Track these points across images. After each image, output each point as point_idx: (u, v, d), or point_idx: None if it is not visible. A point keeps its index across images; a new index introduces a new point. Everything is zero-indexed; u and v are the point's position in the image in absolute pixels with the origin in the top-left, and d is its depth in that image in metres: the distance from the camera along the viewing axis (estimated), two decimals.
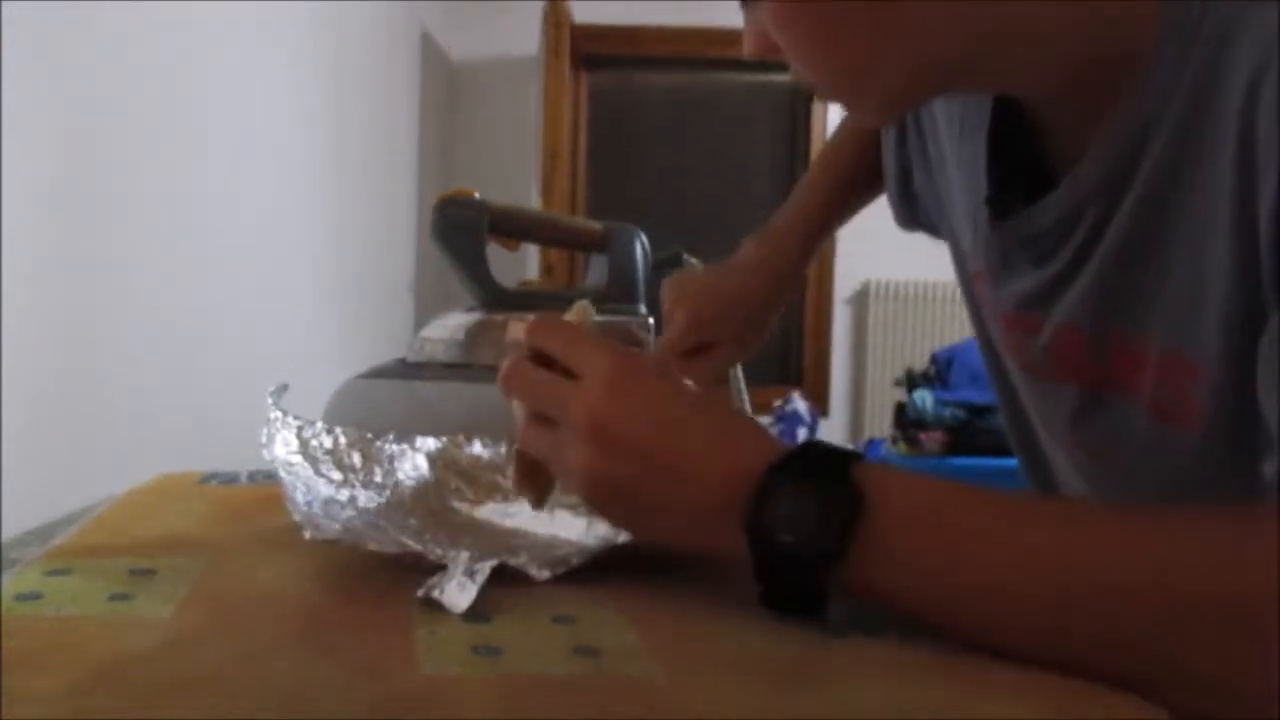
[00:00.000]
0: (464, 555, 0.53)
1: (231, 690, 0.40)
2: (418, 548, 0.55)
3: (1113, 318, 0.60)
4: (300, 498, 0.60)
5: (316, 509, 0.60)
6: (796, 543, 0.48)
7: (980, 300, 0.73)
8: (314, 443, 0.68)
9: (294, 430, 0.67)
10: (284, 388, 0.67)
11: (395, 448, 0.71)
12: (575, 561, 0.55)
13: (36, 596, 0.50)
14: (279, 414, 0.66)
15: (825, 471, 0.49)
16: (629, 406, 0.53)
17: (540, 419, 0.56)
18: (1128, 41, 0.54)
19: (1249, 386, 0.50)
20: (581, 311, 0.64)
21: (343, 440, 0.69)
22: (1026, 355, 0.67)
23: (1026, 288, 0.64)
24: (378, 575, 0.54)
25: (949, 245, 0.79)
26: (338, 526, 0.57)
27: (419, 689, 0.41)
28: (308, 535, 0.55)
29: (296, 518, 0.57)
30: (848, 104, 0.61)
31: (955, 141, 0.72)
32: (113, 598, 0.50)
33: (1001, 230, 0.65)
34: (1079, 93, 0.58)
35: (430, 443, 0.72)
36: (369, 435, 0.70)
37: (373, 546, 0.55)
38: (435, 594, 0.49)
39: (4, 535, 0.64)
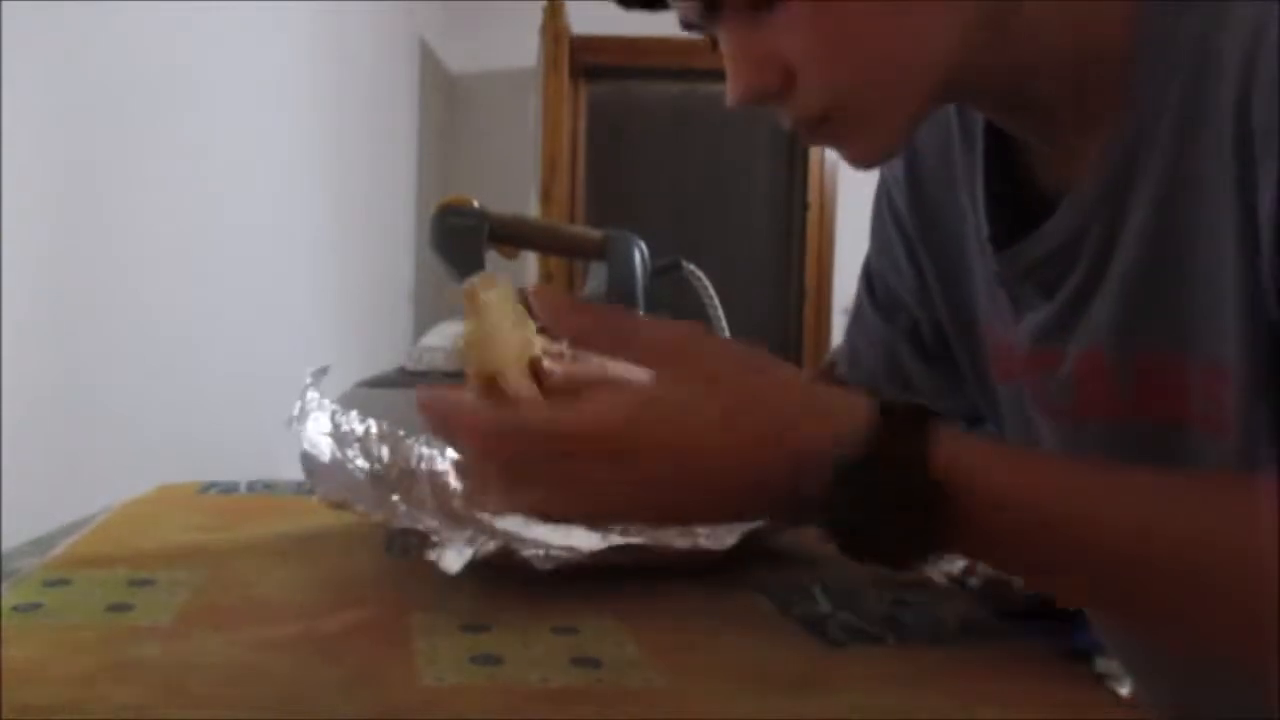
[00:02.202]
0: (468, 532, 0.53)
1: (230, 699, 0.40)
2: (424, 527, 0.54)
3: (1140, 340, 0.58)
4: (320, 466, 0.60)
5: (334, 481, 0.60)
6: (878, 556, 0.48)
7: (995, 355, 0.72)
8: (346, 428, 0.68)
9: (328, 413, 0.67)
10: (324, 370, 0.67)
11: (425, 450, 0.70)
12: (581, 553, 0.55)
13: (36, 607, 0.50)
14: (316, 395, 0.66)
15: (900, 487, 0.47)
16: (644, 477, 0.47)
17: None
18: (1109, 41, 0.55)
19: (1273, 384, 0.50)
20: (486, 285, 0.52)
21: (374, 430, 0.69)
22: (1049, 398, 0.66)
23: (1040, 320, 0.63)
24: (378, 585, 0.54)
25: (950, 312, 0.75)
26: (350, 495, 0.57)
27: (419, 699, 0.41)
28: (316, 497, 0.54)
29: (308, 479, 0.57)
30: (867, 122, 0.57)
31: (950, 203, 0.71)
32: (112, 607, 0.50)
33: (1004, 261, 0.64)
34: (1068, 102, 0.58)
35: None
36: (400, 431, 0.70)
37: (378, 517, 0.54)
38: (431, 555, 0.49)
39: (3, 546, 0.64)
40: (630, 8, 0.60)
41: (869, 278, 0.84)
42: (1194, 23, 0.52)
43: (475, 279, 0.53)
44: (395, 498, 0.58)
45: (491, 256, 1.00)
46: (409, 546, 0.53)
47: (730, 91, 0.57)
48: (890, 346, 0.82)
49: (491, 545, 0.52)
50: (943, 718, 0.41)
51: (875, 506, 0.47)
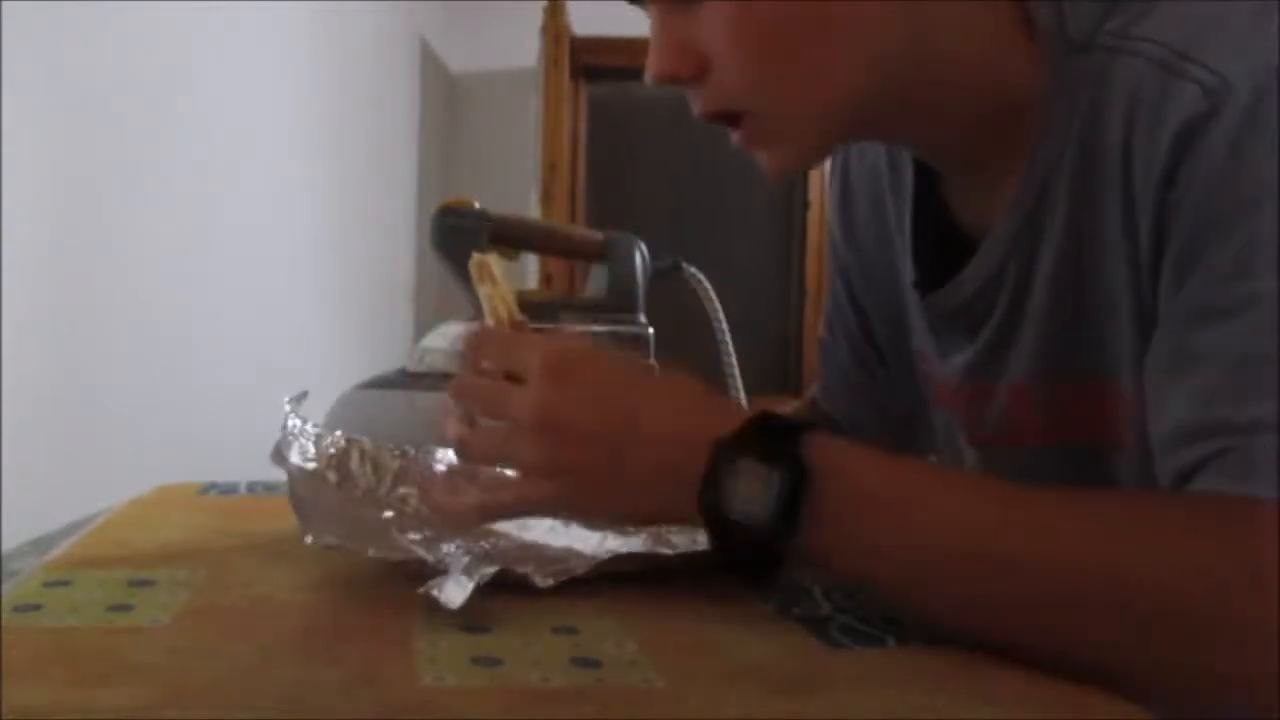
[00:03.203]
0: (464, 558, 0.53)
1: (231, 701, 0.40)
2: (421, 554, 0.54)
3: (1059, 372, 0.61)
4: (307, 504, 0.60)
5: (325, 514, 0.60)
6: (747, 521, 0.49)
7: (925, 378, 0.74)
8: (332, 451, 0.68)
9: (312, 439, 0.67)
10: (303, 396, 0.67)
11: (417, 459, 0.70)
12: (579, 570, 0.55)
13: (36, 608, 0.50)
14: (297, 422, 0.66)
15: (775, 450, 0.50)
16: (571, 395, 0.54)
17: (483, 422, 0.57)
18: (1018, 83, 0.57)
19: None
20: (484, 266, 0.62)
21: (361, 449, 0.69)
22: (979, 426, 0.68)
23: (967, 360, 0.66)
24: (378, 585, 0.54)
25: (889, 342, 0.79)
26: (341, 532, 0.57)
27: (418, 699, 0.41)
28: (308, 540, 0.54)
29: (300, 524, 0.57)
30: (777, 129, 0.59)
31: (889, 235, 0.73)
32: (112, 608, 0.50)
33: (929, 306, 0.66)
34: (983, 142, 0.60)
35: (452, 454, 0.72)
36: (389, 446, 0.70)
37: (373, 553, 0.55)
38: (434, 592, 0.49)
39: (3, 546, 0.64)
40: None
41: (828, 315, 0.86)
42: (1089, 72, 0.55)
43: (473, 263, 0.61)
44: (388, 514, 0.58)
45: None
46: (410, 575, 0.53)
47: (647, 69, 0.60)
48: (856, 379, 0.84)
49: (491, 570, 0.52)
50: (943, 718, 0.41)
51: (744, 492, 0.50)
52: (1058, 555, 0.46)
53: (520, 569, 0.54)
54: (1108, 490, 0.50)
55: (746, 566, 0.51)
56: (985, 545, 0.47)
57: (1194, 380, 0.49)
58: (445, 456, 0.72)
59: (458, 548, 0.59)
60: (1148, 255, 0.53)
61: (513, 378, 0.56)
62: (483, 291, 0.62)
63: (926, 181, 0.67)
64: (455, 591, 0.49)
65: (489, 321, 0.62)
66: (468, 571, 0.51)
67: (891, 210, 0.72)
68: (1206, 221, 0.49)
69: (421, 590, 0.49)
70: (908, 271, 0.70)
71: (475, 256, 0.63)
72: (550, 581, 0.53)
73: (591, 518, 0.59)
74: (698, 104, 0.60)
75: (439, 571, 0.52)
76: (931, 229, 0.67)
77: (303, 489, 0.61)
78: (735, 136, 0.60)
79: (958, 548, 0.48)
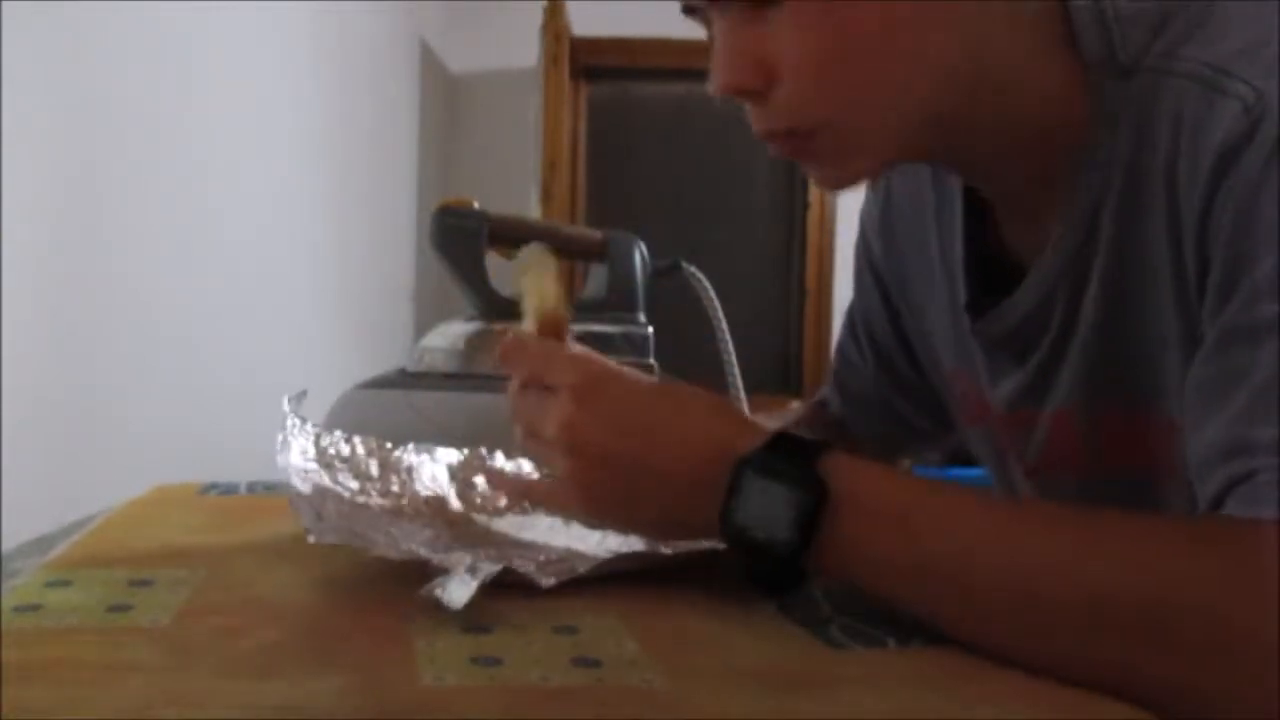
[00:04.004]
0: (467, 558, 0.53)
1: (230, 702, 0.40)
2: (424, 554, 0.54)
3: (1105, 400, 0.61)
4: (308, 503, 0.60)
5: (326, 513, 0.60)
6: (768, 540, 0.50)
7: (963, 402, 0.73)
8: (331, 450, 0.68)
9: (311, 438, 0.67)
10: (303, 395, 0.67)
11: (415, 458, 0.70)
12: (581, 570, 0.55)
13: (36, 608, 0.50)
14: (296, 421, 0.66)
15: (792, 469, 0.50)
16: (597, 417, 0.55)
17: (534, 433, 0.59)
18: (1066, 109, 0.57)
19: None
20: (536, 257, 0.64)
21: (360, 449, 0.69)
22: (1024, 454, 0.67)
23: (1014, 386, 0.66)
24: (378, 586, 0.54)
25: (925, 356, 0.79)
26: (344, 531, 0.57)
27: (418, 699, 0.41)
28: (311, 539, 0.54)
29: (303, 523, 0.57)
30: (856, 142, 0.58)
31: (930, 253, 0.73)
32: (112, 608, 0.50)
33: (977, 331, 0.66)
34: (1032, 167, 0.60)
35: (453, 454, 0.72)
36: (388, 445, 0.70)
37: (378, 551, 0.54)
38: (437, 592, 0.49)
39: (3, 546, 0.64)
40: None
41: (851, 321, 0.86)
42: (1135, 96, 0.55)
43: (523, 255, 0.63)
44: (392, 529, 0.58)
45: (491, 258, 1.00)
46: (410, 575, 0.53)
47: (712, 81, 0.58)
48: (879, 386, 0.84)
49: (495, 568, 0.52)
50: (943, 718, 0.41)
51: (764, 512, 0.50)
52: (1069, 576, 0.46)
53: (523, 568, 0.54)
54: (1127, 512, 0.50)
55: (770, 581, 0.53)
56: (999, 566, 0.47)
57: (1226, 402, 0.49)
58: (446, 456, 0.72)
59: (461, 546, 0.59)
60: (1193, 279, 0.52)
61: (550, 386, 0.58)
62: (547, 278, 0.63)
63: (973, 205, 0.67)
64: (459, 590, 0.49)
65: (537, 303, 0.62)
66: (471, 570, 0.51)
67: (934, 231, 0.71)
68: (1241, 243, 0.49)
69: (424, 591, 0.49)
70: (948, 293, 0.69)
71: (535, 245, 0.65)
72: (552, 581, 0.53)
73: (619, 529, 0.61)
74: (760, 120, 0.58)
75: (441, 571, 0.52)
76: (978, 252, 0.67)
77: (303, 489, 0.61)
78: (777, 149, 0.59)
79: (972, 568, 0.48)
